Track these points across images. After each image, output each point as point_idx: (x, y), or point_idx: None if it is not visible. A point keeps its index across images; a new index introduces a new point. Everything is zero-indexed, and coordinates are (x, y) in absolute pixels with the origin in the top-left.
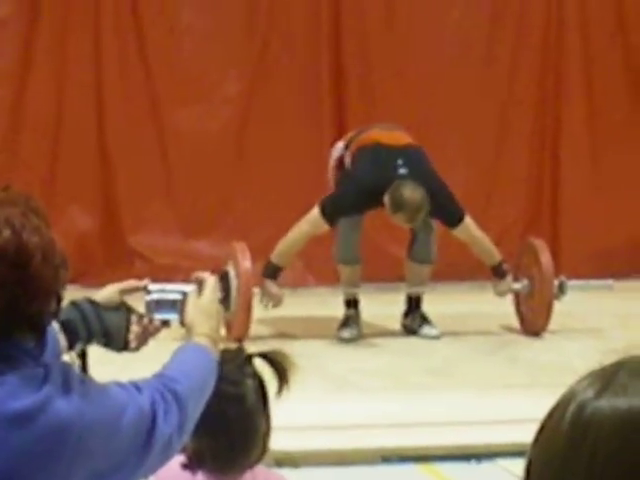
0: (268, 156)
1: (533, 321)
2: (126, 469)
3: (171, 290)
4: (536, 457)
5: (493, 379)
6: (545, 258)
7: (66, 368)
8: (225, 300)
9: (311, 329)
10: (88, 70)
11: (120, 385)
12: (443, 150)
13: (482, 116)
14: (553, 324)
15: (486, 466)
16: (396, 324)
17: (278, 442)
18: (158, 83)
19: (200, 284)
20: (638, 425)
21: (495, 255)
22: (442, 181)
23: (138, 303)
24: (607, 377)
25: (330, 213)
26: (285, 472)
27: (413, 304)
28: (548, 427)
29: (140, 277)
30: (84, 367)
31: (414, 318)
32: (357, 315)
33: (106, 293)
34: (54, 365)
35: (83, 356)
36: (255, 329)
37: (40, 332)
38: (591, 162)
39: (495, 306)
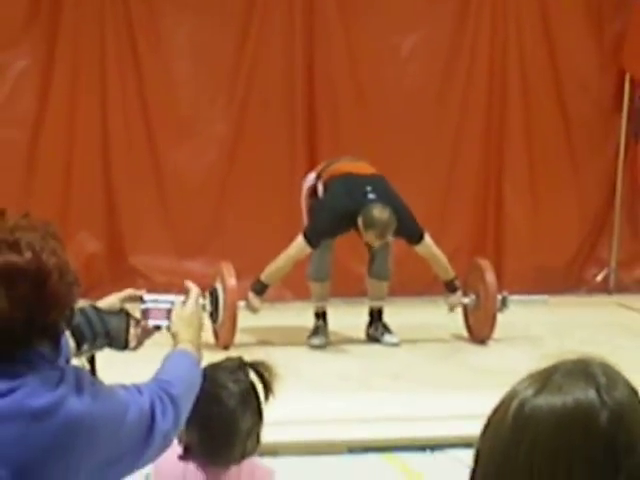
0: (251, 187)
1: (479, 331)
2: (128, 459)
3: (163, 300)
4: (483, 447)
5: (445, 381)
6: (490, 276)
7: (78, 371)
8: (214, 313)
9: (288, 338)
10: (95, 115)
11: (124, 387)
12: (400, 181)
13: (435, 153)
14: (497, 333)
15: (438, 455)
16: (361, 333)
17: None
18: (156, 125)
19: (186, 295)
20: (571, 419)
21: (450, 271)
22: (405, 204)
23: (136, 311)
24: (544, 378)
25: (312, 238)
26: (265, 460)
27: (375, 316)
28: (493, 422)
29: None
30: (93, 370)
31: (376, 328)
32: (325, 325)
33: (108, 301)
34: (68, 368)
35: (92, 361)
36: (240, 338)
37: (55, 340)
38: (530, 193)
39: (446, 318)
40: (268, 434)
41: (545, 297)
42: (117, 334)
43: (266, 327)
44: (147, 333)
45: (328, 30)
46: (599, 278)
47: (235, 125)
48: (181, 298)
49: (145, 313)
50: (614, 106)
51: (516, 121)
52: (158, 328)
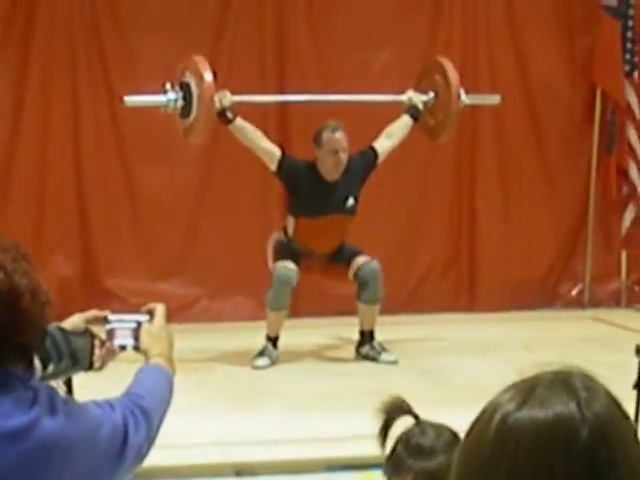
0: (224, 210)
1: (438, 131)
2: (103, 476)
3: (128, 320)
4: (463, 460)
5: (422, 397)
6: (452, 72)
7: (51, 391)
8: (186, 108)
9: None
10: (68, 139)
11: (97, 404)
12: (373, 197)
13: (407, 171)
14: (471, 349)
15: None
16: (338, 352)
17: (238, 454)
18: (129, 149)
19: (151, 313)
20: (552, 432)
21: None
22: None
23: (101, 331)
24: (526, 391)
25: (285, 160)
26: None
27: (367, 336)
28: (474, 433)
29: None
30: (70, 391)
31: (372, 347)
32: (274, 348)
33: (72, 321)
34: (41, 388)
35: (69, 383)
36: (218, 355)
37: (28, 360)
38: (503, 207)
39: (421, 333)
40: (247, 454)
41: (497, 97)
42: (82, 355)
43: (242, 346)
44: (112, 353)
45: (299, 49)
46: (574, 293)
47: (208, 148)
48: (147, 317)
49: (110, 333)
50: (586, 120)
51: (488, 136)
52: (124, 348)
